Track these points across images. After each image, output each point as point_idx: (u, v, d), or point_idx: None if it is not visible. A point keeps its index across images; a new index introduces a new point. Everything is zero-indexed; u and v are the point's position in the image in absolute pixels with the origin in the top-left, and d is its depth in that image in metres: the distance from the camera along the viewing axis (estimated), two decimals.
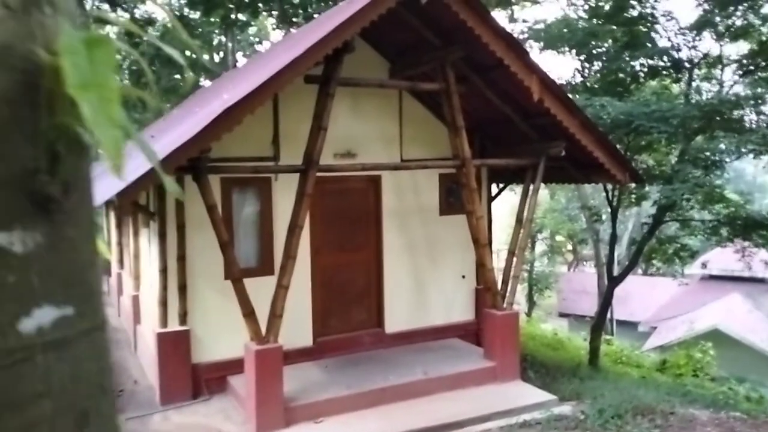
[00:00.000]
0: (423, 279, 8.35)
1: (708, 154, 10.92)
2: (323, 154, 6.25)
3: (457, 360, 7.40)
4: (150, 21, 23.06)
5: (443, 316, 8.43)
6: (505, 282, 7.44)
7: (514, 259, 7.43)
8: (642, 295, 30.00)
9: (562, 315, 31.24)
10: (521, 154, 7.57)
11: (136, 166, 4.65)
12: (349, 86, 6.64)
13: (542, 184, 8.44)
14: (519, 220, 7.51)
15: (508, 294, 7.36)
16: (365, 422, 6.10)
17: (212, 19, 18.92)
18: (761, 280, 27.49)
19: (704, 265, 19.16)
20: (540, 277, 32.16)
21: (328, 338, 7.67)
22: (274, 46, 13.96)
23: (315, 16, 14.91)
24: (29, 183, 0.57)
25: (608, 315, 25.03)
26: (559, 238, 36.87)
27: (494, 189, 9.51)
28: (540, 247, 34.64)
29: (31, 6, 0.56)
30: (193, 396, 6.85)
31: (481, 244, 7.10)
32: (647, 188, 12.21)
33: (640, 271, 33.52)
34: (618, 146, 11.96)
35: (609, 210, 13.24)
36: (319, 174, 6.24)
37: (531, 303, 31.12)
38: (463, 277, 8.57)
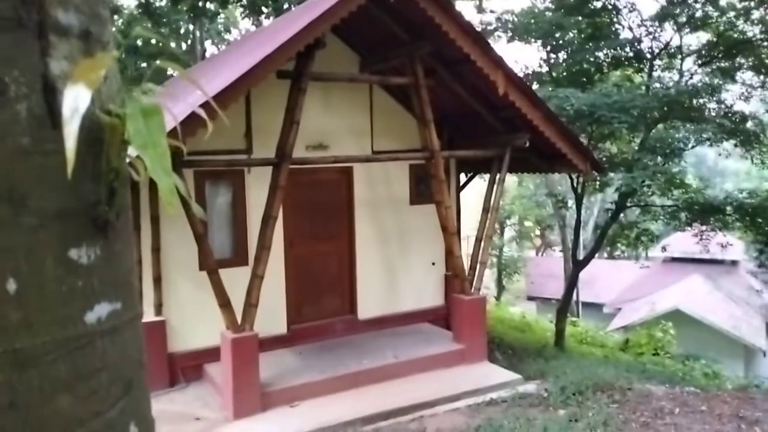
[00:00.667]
0: (394, 266, 8.60)
1: (667, 142, 11.37)
2: (296, 146, 6.41)
3: (427, 343, 7.69)
4: (116, 10, 22.65)
5: (414, 302, 8.71)
6: (472, 268, 7.73)
7: (482, 245, 7.71)
8: (607, 278, 30.89)
9: (530, 298, 31.96)
10: (488, 146, 7.84)
11: None
12: (321, 81, 6.80)
13: (509, 173, 8.76)
14: (486, 209, 7.79)
15: (475, 279, 7.66)
16: (339, 405, 6.34)
17: (180, 8, 18.70)
18: (721, 262, 28.55)
19: (664, 249, 19.86)
20: (509, 262, 32.82)
21: (302, 326, 7.88)
22: (245, 38, 13.96)
23: (285, 6, 14.92)
24: (93, 211, 0.77)
25: (574, 297, 25.81)
26: (527, 223, 37.57)
27: (463, 178, 9.81)
28: (509, 232, 35.26)
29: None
30: (170, 384, 7.00)
31: (450, 232, 7.37)
32: (611, 175, 12.67)
33: (605, 254, 34.49)
34: (582, 135, 12.40)
35: (574, 196, 13.69)
36: (291, 166, 6.41)
37: (500, 287, 31.80)
38: (433, 264, 8.85)
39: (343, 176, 8.15)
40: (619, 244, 16.34)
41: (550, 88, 10.80)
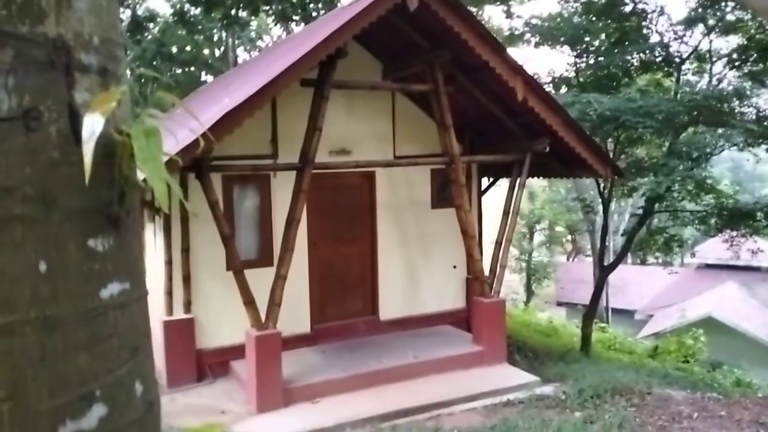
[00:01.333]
0: (416, 269, 8.77)
1: (695, 147, 11.27)
2: (320, 151, 6.66)
3: (446, 345, 7.83)
4: (152, 17, 23.36)
5: (435, 304, 8.85)
6: (492, 271, 7.85)
7: (501, 248, 7.82)
8: (639, 285, 30.43)
9: (559, 304, 31.65)
10: (508, 150, 7.95)
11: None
12: (344, 88, 7.02)
13: (533, 178, 8.86)
14: (506, 212, 7.90)
15: (495, 282, 7.77)
16: (359, 402, 6.53)
17: (213, 16, 19.24)
18: (757, 269, 27.88)
19: (693, 255, 19.52)
20: (538, 267, 32.55)
21: (325, 325, 8.10)
22: (273, 47, 14.31)
23: (313, 14, 15.25)
24: (107, 210, 0.98)
25: (603, 303, 25.52)
26: (558, 228, 37.22)
27: (485, 182, 9.92)
28: (538, 237, 34.97)
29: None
30: (197, 379, 7.29)
31: (470, 235, 7.50)
32: (639, 180, 12.58)
33: (638, 261, 33.95)
34: (609, 140, 12.40)
35: (601, 201, 13.63)
36: (315, 171, 6.64)
37: (529, 292, 31.56)
38: (455, 267, 8.98)
39: (366, 180, 8.35)
40: (644, 250, 16.14)
41: (574, 94, 10.80)
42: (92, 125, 0.86)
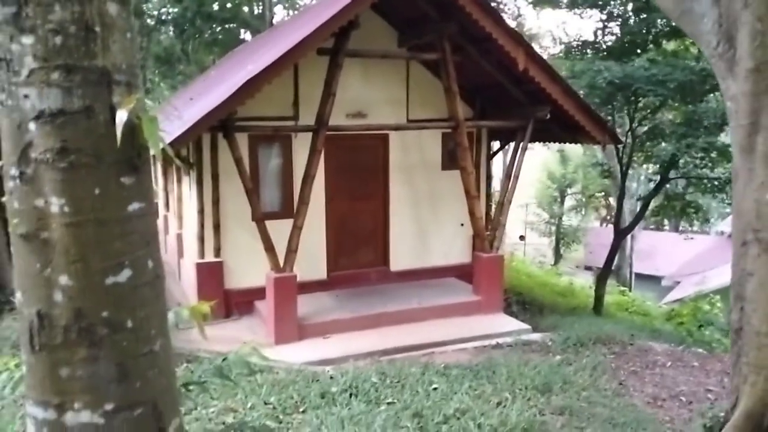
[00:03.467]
0: (425, 225, 9.50)
1: (705, 115, 11.47)
2: (337, 114, 7.37)
3: (449, 294, 8.61)
4: None
5: (442, 258, 9.60)
6: (493, 229, 8.52)
7: (502, 208, 8.46)
8: (668, 252, 30.47)
9: (588, 268, 32.02)
10: (512, 117, 8.51)
11: (176, 129, 5.88)
12: (358, 57, 7.67)
13: (537, 143, 9.38)
14: (508, 175, 8.51)
15: (495, 239, 8.45)
16: (364, 339, 7.40)
17: None
18: None
19: (707, 221, 19.59)
20: (567, 231, 32.86)
21: (340, 273, 8.97)
22: (302, 12, 14.85)
23: None
24: (130, 161, 1.74)
25: (627, 268, 25.80)
26: (596, 194, 37.11)
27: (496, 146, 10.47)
28: (569, 201, 35.08)
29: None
30: (225, 316, 8.28)
31: (472, 195, 8.17)
32: (662, 145, 12.78)
33: (667, 227, 33.85)
34: (625, 106, 12.66)
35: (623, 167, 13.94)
36: (333, 132, 7.37)
37: (557, 255, 32.01)
38: (462, 225, 9.66)
39: (380, 142, 9.05)
40: (665, 216, 16.41)
41: (588, 61, 11.13)
42: (121, 115, 1.61)
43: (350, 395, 5.30)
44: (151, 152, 1.75)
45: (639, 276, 28.50)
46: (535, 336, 7.79)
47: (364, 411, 4.87)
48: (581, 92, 10.99)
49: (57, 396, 1.76)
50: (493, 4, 22.03)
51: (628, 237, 26.91)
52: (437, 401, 5.19)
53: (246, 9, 26.17)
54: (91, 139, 1.66)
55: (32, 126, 1.64)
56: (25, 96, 1.64)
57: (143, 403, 1.84)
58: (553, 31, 34.10)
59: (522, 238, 33.39)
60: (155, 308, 1.86)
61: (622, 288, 21.32)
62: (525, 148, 8.41)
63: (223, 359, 2.77)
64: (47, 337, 1.73)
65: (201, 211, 8.11)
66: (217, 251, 8.26)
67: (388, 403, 5.13)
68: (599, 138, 8.19)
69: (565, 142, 9.45)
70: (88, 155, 1.66)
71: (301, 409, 5.00)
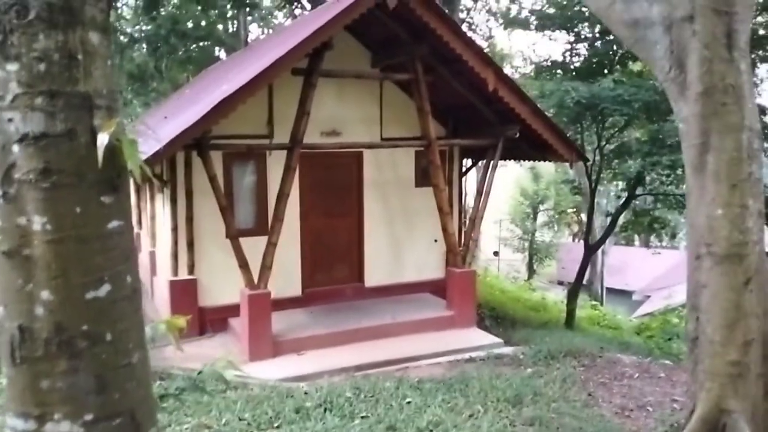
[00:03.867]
0: (399, 241, 9.63)
1: (668, 135, 11.88)
2: (311, 133, 7.49)
3: (423, 309, 8.73)
4: None
5: (417, 273, 9.73)
6: (465, 244, 8.68)
7: (474, 225, 8.64)
8: (638, 266, 31.11)
9: (560, 283, 32.48)
10: (483, 135, 8.73)
11: (149, 148, 5.94)
12: (331, 77, 7.82)
13: (506, 160, 9.61)
14: (479, 192, 8.70)
15: (468, 255, 8.61)
16: (339, 355, 7.46)
17: None
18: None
19: (674, 236, 20.14)
20: (540, 247, 33.33)
21: (314, 289, 9.03)
22: (277, 32, 15.03)
23: None
24: (111, 180, 1.83)
25: (599, 283, 26.26)
26: (570, 210, 37.68)
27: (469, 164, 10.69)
28: (542, 218, 35.62)
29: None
30: (200, 333, 8.25)
31: (444, 212, 8.33)
32: (628, 163, 13.17)
33: (637, 243, 34.57)
34: (593, 125, 13.04)
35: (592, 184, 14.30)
36: (308, 150, 7.49)
37: (531, 271, 32.40)
38: (435, 241, 9.80)
39: (354, 160, 9.19)
40: (633, 231, 16.83)
41: (556, 82, 11.47)
42: (102, 138, 1.71)
43: (324, 410, 5.35)
44: (129, 171, 1.83)
45: (610, 290, 29.01)
46: (507, 350, 7.93)
47: (338, 425, 4.93)
48: (551, 111, 11.34)
49: (37, 407, 1.81)
50: (465, 26, 22.58)
51: (599, 252, 27.47)
52: (411, 414, 5.28)
53: (220, 27, 26.29)
54: (73, 160, 1.74)
55: (16, 148, 1.72)
56: (9, 120, 1.72)
57: (122, 413, 1.90)
58: (524, 51, 34.87)
59: (496, 254, 33.81)
60: (133, 321, 1.94)
61: (594, 302, 21.72)
62: (495, 166, 8.63)
63: (198, 373, 2.82)
64: (28, 350, 1.79)
65: (175, 229, 8.12)
66: (191, 268, 8.26)
67: (362, 417, 5.20)
68: (566, 156, 8.45)
69: (534, 160, 9.71)
70: (70, 175, 1.74)
71: (275, 425, 5.04)
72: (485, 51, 7.69)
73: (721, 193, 3.12)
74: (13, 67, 1.70)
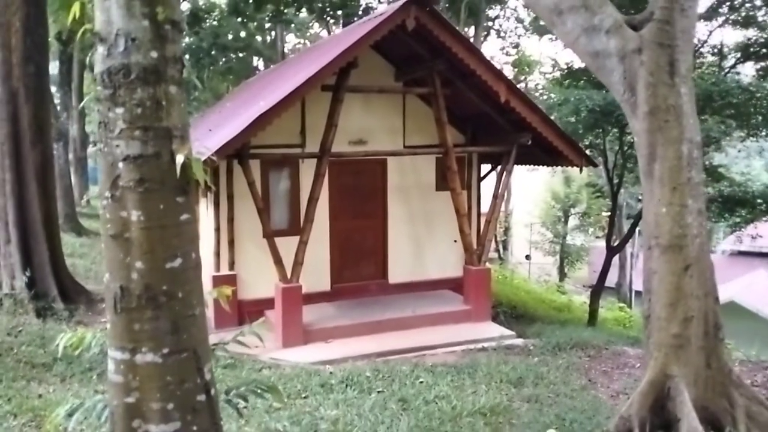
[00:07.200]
0: (421, 241, 10.37)
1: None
2: (340, 142, 8.32)
3: (441, 304, 9.44)
4: (210, 8, 25.38)
5: (438, 271, 10.45)
6: (481, 244, 9.37)
7: (489, 226, 9.32)
8: None
9: (591, 286, 32.53)
10: (498, 142, 9.41)
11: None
12: (356, 92, 8.64)
13: (525, 166, 10.26)
14: (494, 196, 9.38)
15: (483, 254, 9.29)
16: (362, 343, 8.24)
17: (263, 10, 21.04)
18: None
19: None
20: (571, 250, 33.49)
21: (342, 285, 9.84)
22: (310, 48, 15.95)
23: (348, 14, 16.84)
24: (183, 186, 2.65)
25: (627, 285, 26.39)
26: (604, 214, 37.52)
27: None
28: (573, 221, 35.72)
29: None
30: (238, 324, 9.13)
31: (461, 214, 9.04)
32: None
33: None
34: (613, 130, 13.49)
35: (614, 187, 14.72)
36: (336, 158, 8.31)
37: (561, 274, 32.60)
38: (455, 241, 10.49)
39: (379, 166, 9.98)
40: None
41: (570, 90, 12.03)
42: (179, 158, 2.53)
43: (346, 386, 6.14)
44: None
45: (640, 293, 29.00)
46: (518, 341, 8.57)
47: (356, 397, 5.70)
48: (571, 119, 11.91)
49: (131, 343, 2.64)
50: (492, 33, 23.19)
51: (629, 255, 27.61)
52: (421, 390, 6.02)
53: (259, 38, 27.46)
54: (159, 173, 2.57)
55: (121, 165, 2.56)
56: (117, 146, 2.56)
57: (188, 349, 2.71)
58: (553, 57, 35.14)
59: (528, 257, 34.08)
60: (196, 285, 2.75)
61: (621, 305, 21.97)
62: (510, 171, 9.30)
63: (240, 333, 3.62)
64: (126, 303, 2.62)
65: (217, 229, 9.05)
66: (232, 265, 9.16)
67: (378, 392, 5.97)
68: (576, 161, 9.06)
69: (547, 165, 10.33)
70: (157, 183, 2.57)
71: (303, 395, 5.85)
72: (499, 65, 8.38)
73: (665, 194, 3.76)
74: (119, 110, 2.54)
